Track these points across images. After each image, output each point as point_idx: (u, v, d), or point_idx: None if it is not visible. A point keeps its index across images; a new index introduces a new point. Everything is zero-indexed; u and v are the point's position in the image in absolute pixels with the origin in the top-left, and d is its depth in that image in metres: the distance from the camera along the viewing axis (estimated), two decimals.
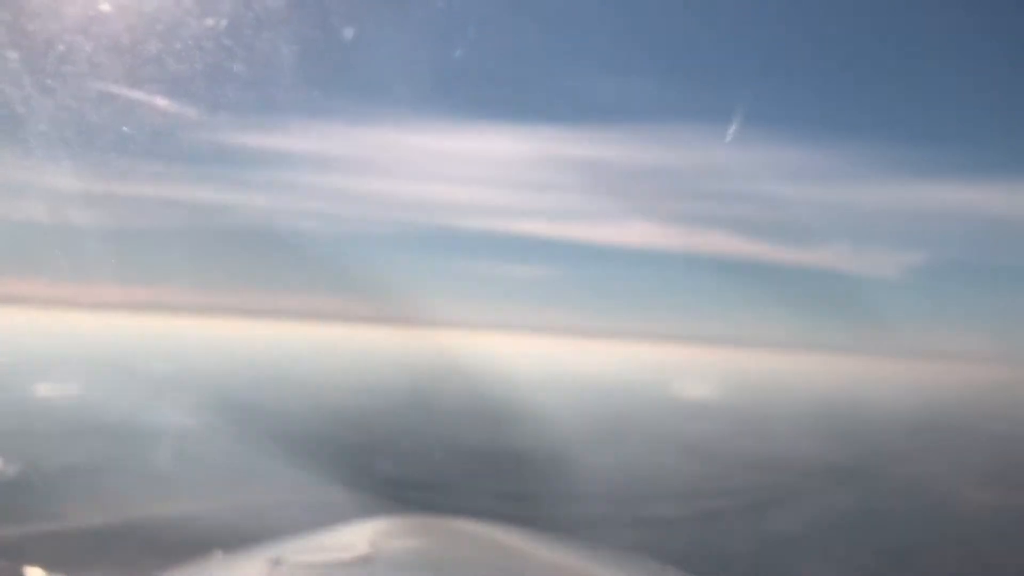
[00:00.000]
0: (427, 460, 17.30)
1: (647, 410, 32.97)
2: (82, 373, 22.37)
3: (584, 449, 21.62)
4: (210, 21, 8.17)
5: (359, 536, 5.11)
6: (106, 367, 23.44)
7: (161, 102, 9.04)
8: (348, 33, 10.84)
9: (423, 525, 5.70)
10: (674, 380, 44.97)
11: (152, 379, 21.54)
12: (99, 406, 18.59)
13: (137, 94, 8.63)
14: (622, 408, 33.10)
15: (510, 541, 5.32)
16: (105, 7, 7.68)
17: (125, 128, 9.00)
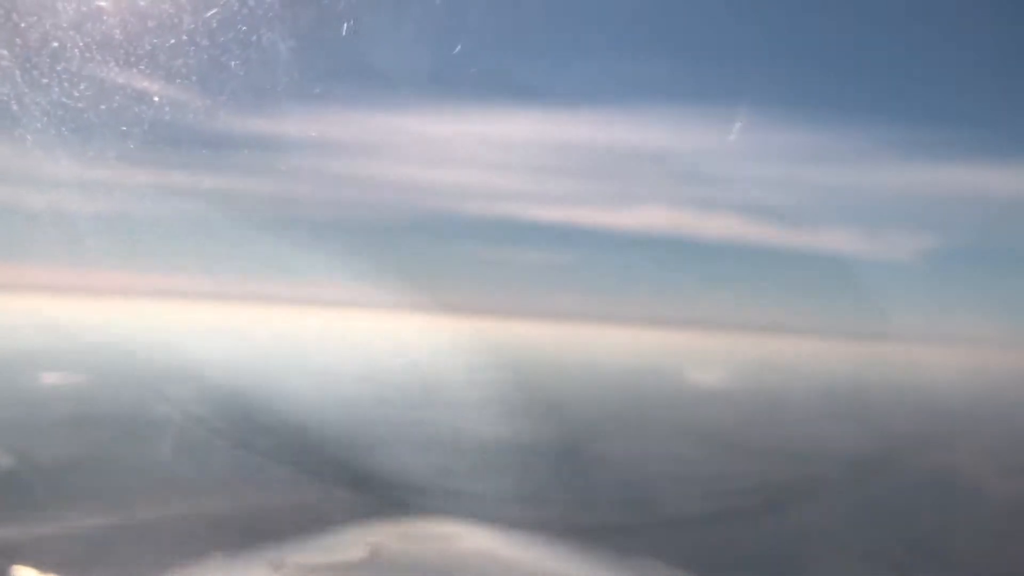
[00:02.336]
0: (437, 453, 17.18)
1: (663, 397, 32.75)
2: (85, 362, 22.20)
3: (602, 439, 21.43)
4: (210, 6, 8.10)
5: (359, 539, 5.10)
6: (109, 356, 23.28)
7: (164, 89, 8.98)
8: (351, 16, 10.73)
9: (421, 529, 5.68)
10: (688, 366, 44.64)
11: (155, 368, 21.35)
12: (102, 396, 18.42)
13: (138, 80, 8.55)
14: (638, 395, 32.88)
15: (508, 545, 5.31)
16: None
17: (126, 114, 8.93)
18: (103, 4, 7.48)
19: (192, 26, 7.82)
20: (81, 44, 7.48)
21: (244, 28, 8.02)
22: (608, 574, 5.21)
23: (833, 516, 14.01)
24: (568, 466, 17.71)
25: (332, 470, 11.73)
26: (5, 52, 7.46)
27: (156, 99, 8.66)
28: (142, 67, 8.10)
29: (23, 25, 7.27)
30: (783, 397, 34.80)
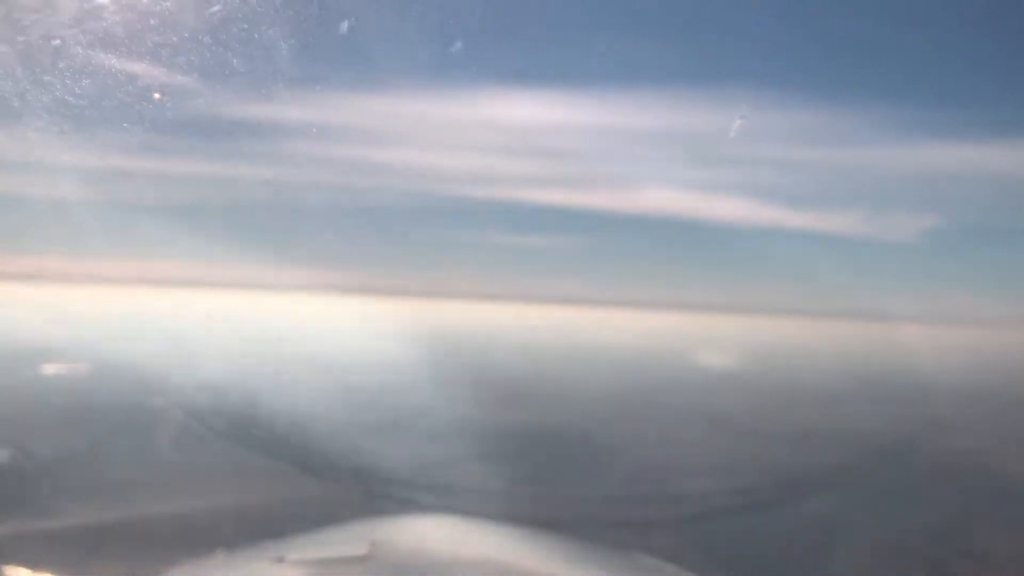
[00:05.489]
0: (442, 442, 17.19)
1: (671, 380, 32.76)
2: (86, 352, 22.12)
3: (609, 427, 21.42)
4: (211, 2, 8.10)
5: (361, 535, 5.13)
6: (110, 346, 23.27)
7: (165, 84, 9.00)
8: (352, 5, 10.74)
9: (423, 524, 5.72)
10: (693, 349, 44.67)
11: (156, 359, 21.34)
12: (102, 388, 18.34)
13: (139, 68, 8.57)
14: (645, 379, 32.89)
15: (510, 540, 5.34)
16: None
17: (127, 103, 8.96)
18: (103, 1, 7.50)
19: (192, 21, 7.84)
20: (83, 41, 7.51)
21: (245, 24, 8.04)
22: (614, 570, 5.23)
23: (844, 503, 13.92)
24: (575, 456, 17.74)
25: (332, 464, 11.75)
26: (7, 49, 7.49)
27: (157, 95, 8.69)
28: (143, 63, 8.12)
29: (25, 22, 7.29)
30: (790, 379, 34.83)
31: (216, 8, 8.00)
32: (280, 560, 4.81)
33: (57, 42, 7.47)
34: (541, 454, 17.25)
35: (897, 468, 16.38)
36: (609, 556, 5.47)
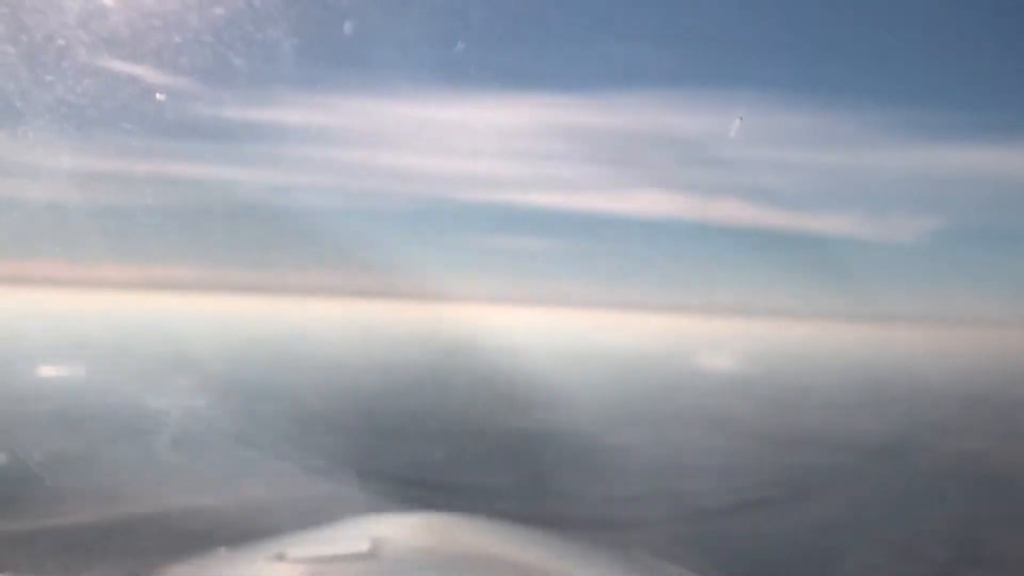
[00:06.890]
0: (442, 443, 17.17)
1: (668, 383, 32.73)
2: (84, 354, 22.10)
3: (610, 429, 21.38)
4: (214, 3, 8.10)
5: (362, 532, 5.12)
6: (108, 347, 23.24)
7: (167, 84, 9.00)
8: (353, 9, 10.77)
9: (425, 522, 5.70)
10: (691, 351, 44.66)
11: (154, 359, 21.30)
12: (100, 388, 18.31)
13: (142, 69, 8.59)
14: (646, 381, 32.84)
15: (511, 539, 5.32)
16: None
17: (129, 104, 8.97)
18: (106, 2, 7.50)
19: (195, 23, 7.84)
20: (86, 42, 7.51)
21: (247, 27, 8.06)
22: (616, 569, 5.22)
23: (845, 503, 13.88)
24: (575, 456, 17.72)
25: (333, 462, 11.74)
26: (11, 49, 7.49)
27: (159, 95, 8.70)
28: (146, 65, 8.12)
29: (29, 23, 7.30)
30: (791, 381, 34.77)
31: (219, 11, 8.02)
32: (281, 557, 4.79)
33: (60, 43, 7.48)
34: (541, 454, 17.24)
35: (898, 468, 16.35)
36: (610, 555, 5.45)
